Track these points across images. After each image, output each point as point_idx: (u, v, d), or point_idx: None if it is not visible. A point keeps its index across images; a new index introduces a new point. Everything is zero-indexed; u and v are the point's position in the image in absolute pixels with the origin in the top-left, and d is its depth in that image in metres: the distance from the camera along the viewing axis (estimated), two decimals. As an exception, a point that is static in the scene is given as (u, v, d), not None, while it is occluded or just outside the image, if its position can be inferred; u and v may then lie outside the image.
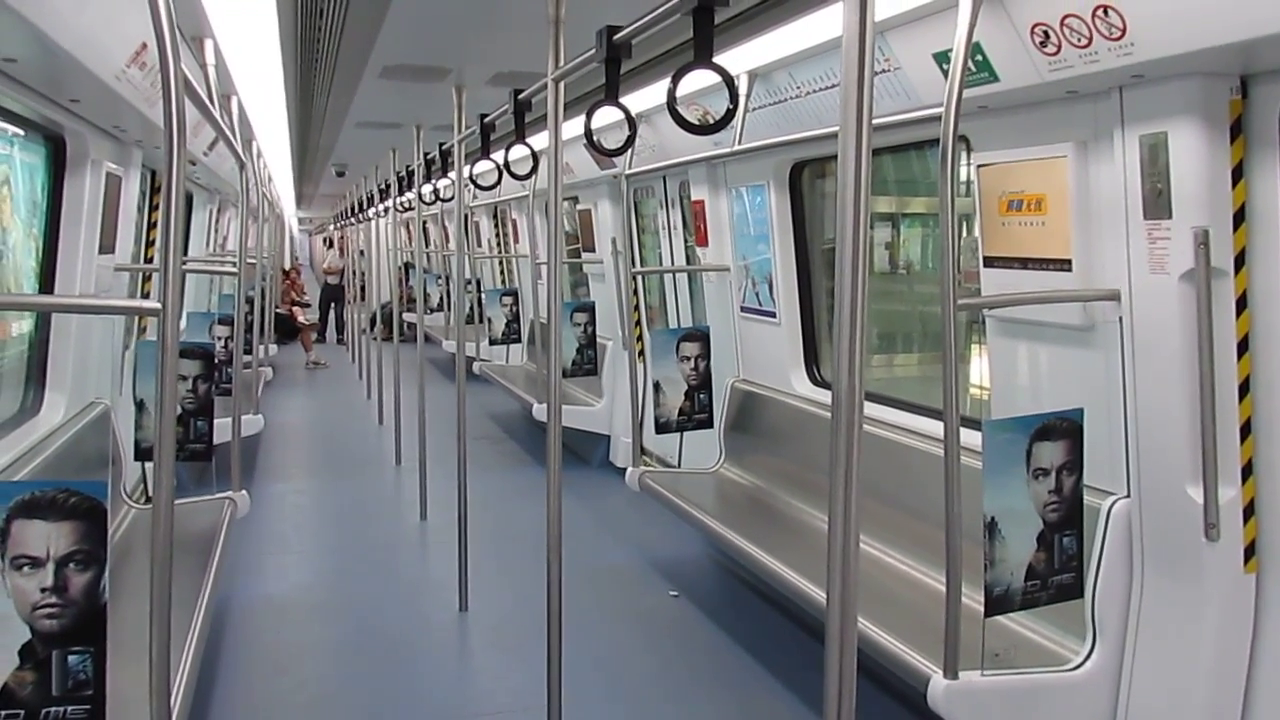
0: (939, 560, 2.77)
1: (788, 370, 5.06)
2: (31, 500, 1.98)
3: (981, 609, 2.68)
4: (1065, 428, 2.69)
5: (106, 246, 4.30)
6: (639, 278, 6.86)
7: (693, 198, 5.61)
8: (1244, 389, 2.58)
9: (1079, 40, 2.41)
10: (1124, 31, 2.28)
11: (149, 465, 4.19)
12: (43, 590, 2.00)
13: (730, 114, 2.26)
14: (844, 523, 1.41)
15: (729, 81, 2.16)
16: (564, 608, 3.21)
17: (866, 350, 1.45)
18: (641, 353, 6.54)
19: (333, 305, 17.15)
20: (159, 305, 1.94)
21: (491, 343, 9.01)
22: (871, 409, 4.12)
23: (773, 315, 5.09)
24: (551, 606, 3.19)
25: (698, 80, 2.22)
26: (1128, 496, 2.85)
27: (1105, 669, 2.86)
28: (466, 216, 9.90)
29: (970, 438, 2.68)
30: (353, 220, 13.63)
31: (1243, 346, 2.56)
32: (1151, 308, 2.64)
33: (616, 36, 2.48)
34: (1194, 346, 2.55)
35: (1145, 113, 2.56)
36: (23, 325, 4.12)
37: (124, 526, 4.30)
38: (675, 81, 2.16)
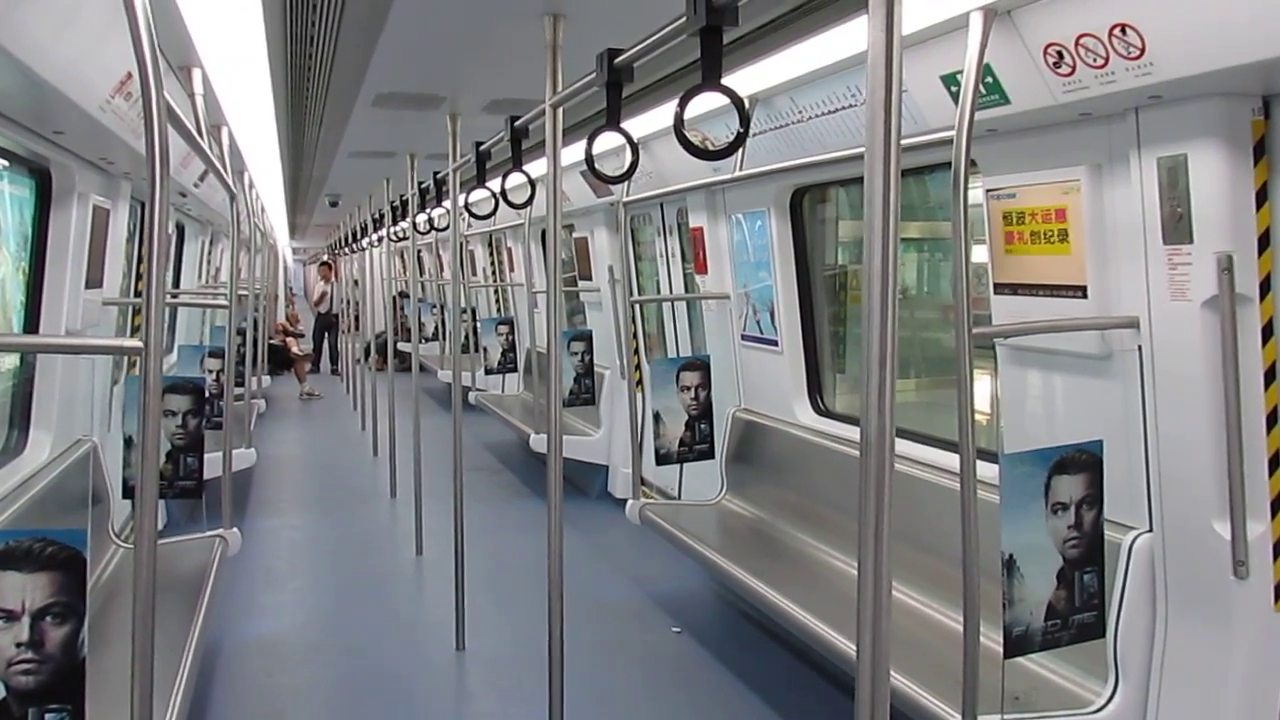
0: (955, 598, 2.67)
1: (790, 399, 4.97)
2: (6, 551, 1.88)
3: (1000, 650, 2.58)
4: (1084, 460, 2.59)
5: (94, 281, 4.21)
6: (637, 306, 6.77)
7: (691, 225, 5.54)
8: (1272, 419, 2.49)
9: (1095, 61, 2.33)
10: (1143, 51, 2.21)
11: (138, 503, 4.08)
12: (18, 645, 1.91)
13: (741, 138, 2.18)
14: (875, 574, 1.31)
15: (739, 104, 2.08)
16: (564, 646, 3.10)
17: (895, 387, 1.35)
18: (640, 382, 6.44)
19: (326, 334, 16.99)
20: (140, 344, 1.84)
21: (487, 372, 8.90)
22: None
23: (774, 343, 5.00)
24: (553, 646, 3.08)
25: (698, 105, 2.14)
26: (1150, 531, 2.76)
27: (1129, 712, 2.76)
28: (461, 245, 9.84)
29: (984, 470, 2.59)
30: (347, 250, 13.55)
31: (1270, 375, 2.47)
32: (1172, 335, 2.56)
33: (618, 60, 2.41)
34: (1218, 375, 2.46)
35: (1163, 134, 2.48)
36: (7, 361, 4.02)
37: (112, 565, 4.18)
38: (683, 105, 2.08)
